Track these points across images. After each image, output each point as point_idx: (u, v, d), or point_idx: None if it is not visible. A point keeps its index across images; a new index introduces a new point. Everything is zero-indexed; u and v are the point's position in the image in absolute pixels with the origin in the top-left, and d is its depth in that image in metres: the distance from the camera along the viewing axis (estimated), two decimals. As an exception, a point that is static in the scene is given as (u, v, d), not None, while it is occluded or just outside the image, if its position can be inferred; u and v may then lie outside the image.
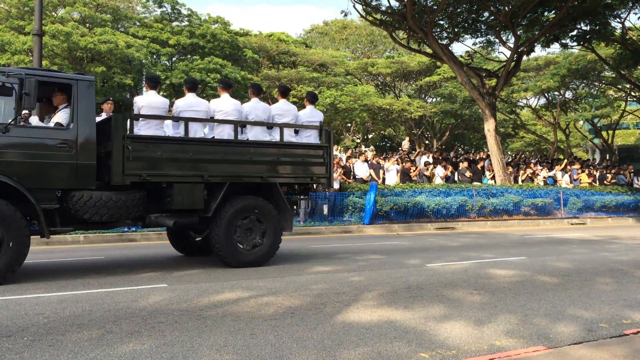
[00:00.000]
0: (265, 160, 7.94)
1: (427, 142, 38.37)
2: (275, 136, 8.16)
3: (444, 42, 22.27)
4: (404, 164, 18.78)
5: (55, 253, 9.97)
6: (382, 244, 11.58)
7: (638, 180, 24.48)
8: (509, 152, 39.42)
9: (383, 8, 20.74)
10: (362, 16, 21.99)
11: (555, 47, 54.19)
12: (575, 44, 24.05)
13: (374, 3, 20.56)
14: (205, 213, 7.52)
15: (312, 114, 8.61)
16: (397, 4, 20.33)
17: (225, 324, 4.49)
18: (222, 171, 7.60)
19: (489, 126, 20.29)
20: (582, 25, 21.89)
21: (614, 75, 30.32)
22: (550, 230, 15.75)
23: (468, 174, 19.35)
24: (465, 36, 23.30)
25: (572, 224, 18.39)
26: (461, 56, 22.83)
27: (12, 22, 24.17)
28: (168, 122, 7.69)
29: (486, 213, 17.50)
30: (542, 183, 21.00)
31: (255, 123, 8.01)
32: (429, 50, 22.29)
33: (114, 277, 6.90)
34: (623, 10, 21.94)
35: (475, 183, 19.00)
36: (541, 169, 22.10)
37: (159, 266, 8.00)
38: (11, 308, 5.09)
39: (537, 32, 20.78)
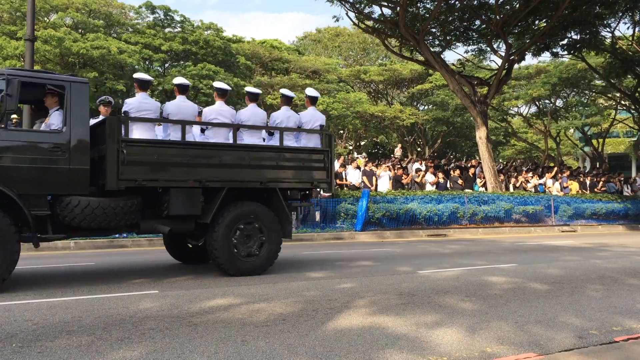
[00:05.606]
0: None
1: (419, 149, 38.52)
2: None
3: (436, 50, 22.40)
4: (395, 171, 18.82)
5: (45, 259, 9.89)
6: (374, 250, 11.57)
7: (628, 188, 24.67)
8: (500, 160, 39.63)
9: (375, 16, 20.86)
10: (354, 24, 22.09)
11: (546, 56, 54.73)
12: (565, 52, 24.31)
13: (366, 11, 20.67)
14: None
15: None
16: (389, 11, 20.47)
17: (217, 331, 4.47)
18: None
19: (481, 134, 20.41)
20: (572, 34, 22.14)
21: (604, 84, 30.63)
22: (541, 237, 15.81)
23: (460, 181, 19.42)
24: (457, 44, 23.49)
25: (562, 231, 18.48)
26: (453, 64, 22.98)
27: (4, 27, 24.07)
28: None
29: (478, 220, 17.56)
30: (532, 190, 21.11)
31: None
32: (421, 58, 22.42)
33: (104, 284, 6.85)
34: (613, 19, 22.24)
35: (466, 190, 19.06)
36: (532, 177, 22.21)
37: (149, 272, 7.95)
38: None
39: (528, 41, 20.96)
